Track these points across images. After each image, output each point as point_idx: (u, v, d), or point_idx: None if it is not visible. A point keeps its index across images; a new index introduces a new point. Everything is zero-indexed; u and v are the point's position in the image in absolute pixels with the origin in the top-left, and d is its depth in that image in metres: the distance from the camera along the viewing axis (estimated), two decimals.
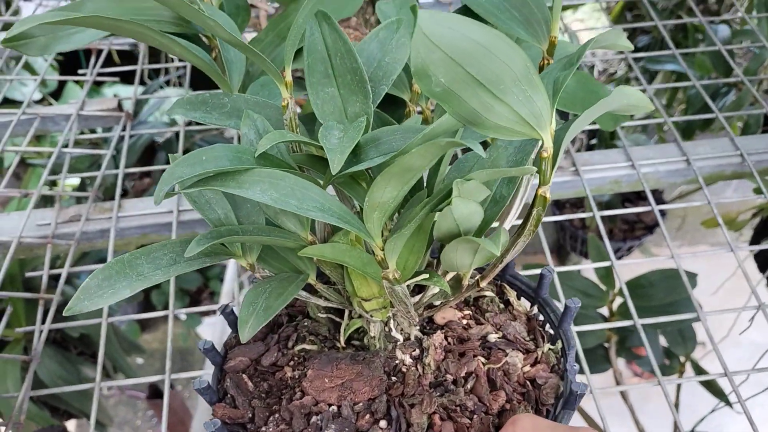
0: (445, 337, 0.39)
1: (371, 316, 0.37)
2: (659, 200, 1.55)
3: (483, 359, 0.38)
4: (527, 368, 0.38)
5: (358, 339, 0.40)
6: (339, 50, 0.34)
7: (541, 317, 0.42)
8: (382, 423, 0.35)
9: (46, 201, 0.96)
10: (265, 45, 0.47)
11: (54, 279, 0.84)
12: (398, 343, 0.38)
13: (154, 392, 1.74)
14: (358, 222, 0.30)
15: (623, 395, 1.09)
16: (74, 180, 1.25)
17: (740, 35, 1.03)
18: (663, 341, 1.09)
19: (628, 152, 0.70)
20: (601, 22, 1.59)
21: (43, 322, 0.60)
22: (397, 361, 0.37)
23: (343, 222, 0.29)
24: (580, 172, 0.68)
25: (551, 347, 0.40)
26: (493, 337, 0.39)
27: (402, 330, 0.39)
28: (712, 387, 1.06)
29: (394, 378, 0.37)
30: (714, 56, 0.99)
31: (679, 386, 1.10)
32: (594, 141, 1.45)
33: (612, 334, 1.05)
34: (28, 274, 0.64)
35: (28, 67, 1.24)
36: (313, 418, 0.35)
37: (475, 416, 0.35)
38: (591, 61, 1.42)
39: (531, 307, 0.43)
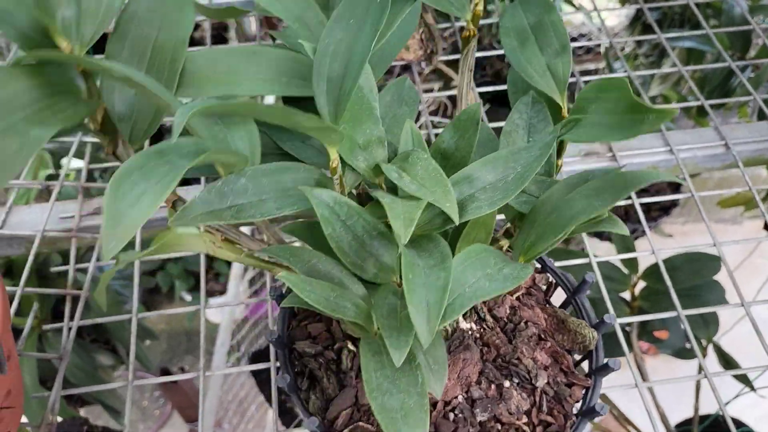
0: None
1: None
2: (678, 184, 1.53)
3: (514, 298, 0.42)
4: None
5: None
6: None
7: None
8: (506, 383, 0.37)
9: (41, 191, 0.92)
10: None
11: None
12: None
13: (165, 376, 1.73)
14: None
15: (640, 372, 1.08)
16: (78, 164, 1.22)
17: (758, 10, 1.00)
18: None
19: (666, 137, 0.68)
20: None
21: (71, 318, 0.58)
22: (467, 333, 0.39)
23: None
24: (617, 158, 0.66)
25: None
26: None
27: None
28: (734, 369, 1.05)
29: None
30: (731, 33, 0.97)
31: (700, 368, 1.09)
32: None
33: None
34: (53, 269, 0.62)
35: None
36: (451, 416, 0.36)
37: (548, 341, 0.40)
38: (600, 41, 1.39)
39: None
